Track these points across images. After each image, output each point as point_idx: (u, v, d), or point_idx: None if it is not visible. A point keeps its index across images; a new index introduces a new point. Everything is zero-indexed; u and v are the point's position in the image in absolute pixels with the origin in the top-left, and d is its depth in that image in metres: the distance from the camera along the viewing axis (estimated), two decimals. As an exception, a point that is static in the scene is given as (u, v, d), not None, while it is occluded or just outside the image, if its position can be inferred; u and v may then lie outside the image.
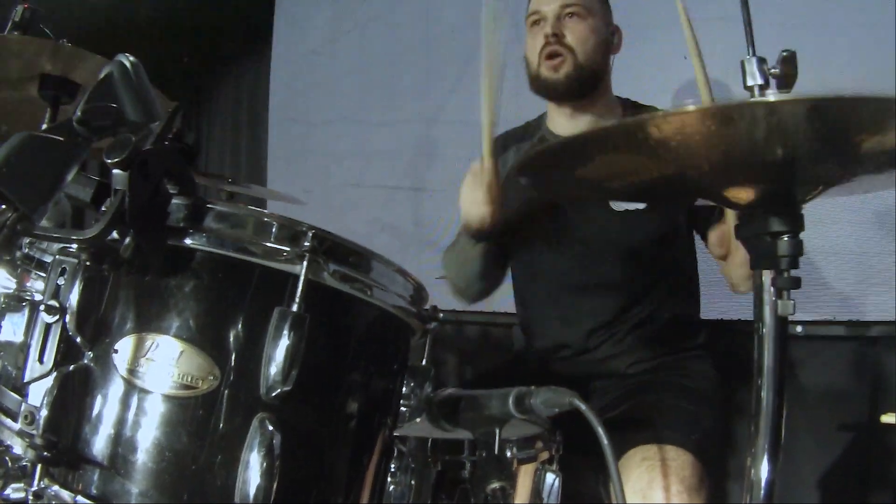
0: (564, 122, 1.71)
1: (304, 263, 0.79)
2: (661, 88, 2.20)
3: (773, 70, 0.80)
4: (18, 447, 0.79)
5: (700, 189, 0.90)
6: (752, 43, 0.88)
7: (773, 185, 0.81)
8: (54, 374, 0.77)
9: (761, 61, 0.79)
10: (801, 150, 0.76)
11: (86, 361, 0.79)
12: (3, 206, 0.72)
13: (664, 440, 1.40)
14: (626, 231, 1.64)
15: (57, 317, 0.78)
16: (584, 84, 1.60)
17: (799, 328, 1.94)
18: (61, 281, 0.79)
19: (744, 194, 0.84)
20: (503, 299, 2.56)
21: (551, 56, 1.58)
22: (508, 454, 1.08)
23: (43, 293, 0.81)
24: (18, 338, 0.83)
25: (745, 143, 0.75)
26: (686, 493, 1.32)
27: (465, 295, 1.76)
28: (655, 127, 0.74)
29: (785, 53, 0.77)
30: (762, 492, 0.89)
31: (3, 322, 0.85)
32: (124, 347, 0.78)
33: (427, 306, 1.00)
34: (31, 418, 0.77)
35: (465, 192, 1.51)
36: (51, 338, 0.79)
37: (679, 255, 1.68)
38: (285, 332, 0.77)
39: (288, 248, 0.80)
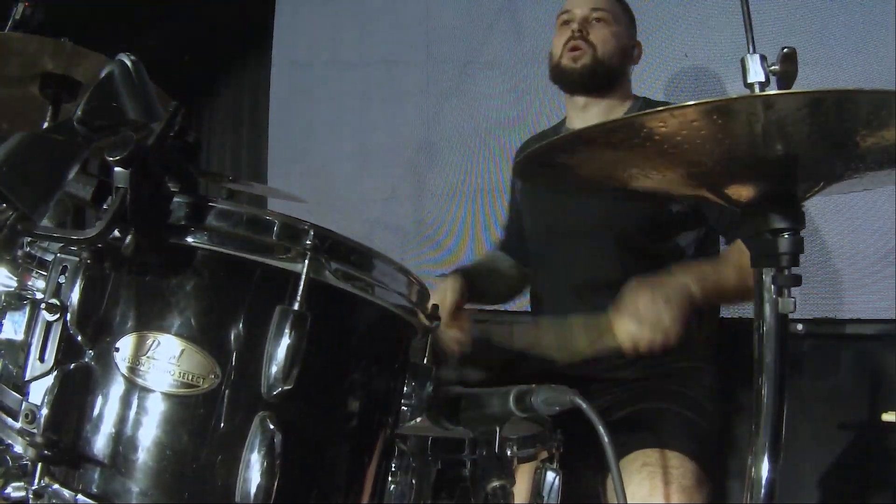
0: (578, 115, 1.79)
1: (306, 262, 0.79)
2: (662, 87, 2.21)
3: (773, 67, 0.80)
4: (19, 446, 0.79)
5: (701, 187, 0.90)
6: (753, 41, 0.88)
7: (773, 181, 0.81)
8: (55, 372, 0.77)
9: (762, 59, 0.79)
10: (800, 146, 0.76)
11: (87, 360, 0.79)
12: (4, 206, 0.72)
13: (664, 445, 1.40)
14: (631, 234, 1.65)
15: (58, 315, 0.78)
16: (599, 77, 1.70)
17: (799, 326, 1.94)
18: (62, 279, 0.79)
19: (745, 192, 0.84)
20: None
21: (574, 49, 1.70)
22: (509, 453, 1.08)
23: (44, 291, 0.81)
24: (19, 336, 0.83)
25: (744, 139, 0.75)
26: (686, 499, 1.33)
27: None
28: (649, 124, 0.74)
29: (786, 50, 0.76)
30: (763, 490, 0.89)
31: (4, 320, 0.85)
32: (125, 346, 0.78)
33: (428, 305, 1.00)
34: (31, 417, 0.77)
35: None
36: (52, 336, 0.79)
37: (687, 258, 1.69)
38: (286, 330, 0.77)
39: (289, 247, 0.80)
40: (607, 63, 1.69)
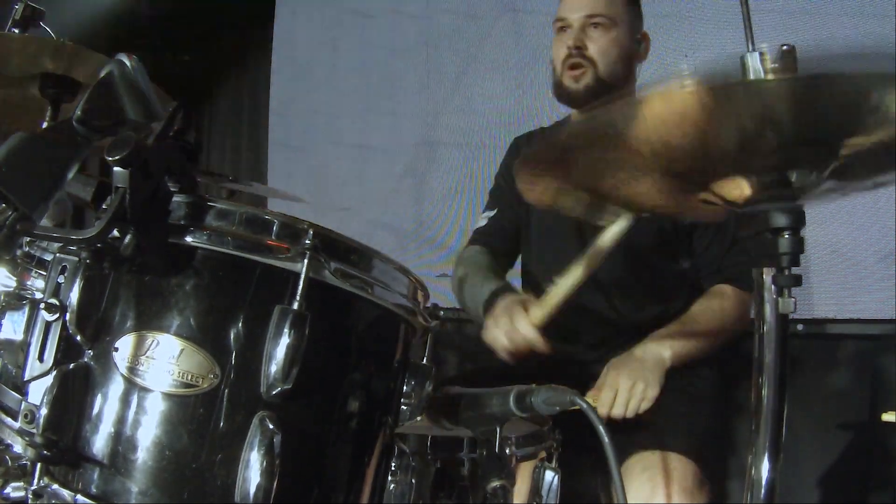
0: None
1: (305, 261, 0.79)
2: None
3: (773, 65, 0.79)
4: (18, 446, 0.79)
5: (697, 184, 0.90)
6: (753, 40, 0.87)
7: (769, 178, 0.81)
8: (54, 372, 0.77)
9: (762, 57, 0.79)
10: (793, 137, 0.76)
11: (86, 360, 0.78)
12: (3, 206, 0.72)
13: (665, 447, 1.40)
14: (627, 235, 1.64)
15: (57, 315, 0.78)
16: (603, 94, 1.64)
17: (800, 326, 1.94)
18: (61, 279, 0.79)
19: (741, 190, 0.84)
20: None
21: (574, 67, 1.64)
22: (508, 452, 1.08)
23: (43, 291, 0.81)
24: (18, 336, 0.83)
25: (734, 128, 0.74)
26: (688, 501, 1.33)
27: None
28: (641, 110, 0.74)
29: (785, 48, 0.76)
30: (763, 491, 0.89)
31: (3, 320, 0.84)
32: (124, 345, 0.78)
33: (428, 304, 1.00)
34: (30, 417, 0.77)
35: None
36: (51, 336, 0.79)
37: (682, 258, 1.68)
38: (286, 330, 0.77)
39: (289, 246, 0.80)
40: (610, 79, 1.63)
